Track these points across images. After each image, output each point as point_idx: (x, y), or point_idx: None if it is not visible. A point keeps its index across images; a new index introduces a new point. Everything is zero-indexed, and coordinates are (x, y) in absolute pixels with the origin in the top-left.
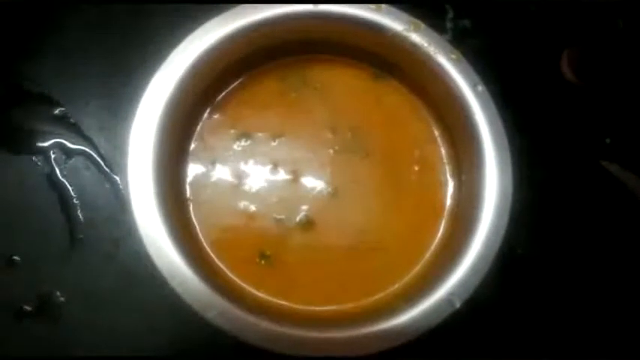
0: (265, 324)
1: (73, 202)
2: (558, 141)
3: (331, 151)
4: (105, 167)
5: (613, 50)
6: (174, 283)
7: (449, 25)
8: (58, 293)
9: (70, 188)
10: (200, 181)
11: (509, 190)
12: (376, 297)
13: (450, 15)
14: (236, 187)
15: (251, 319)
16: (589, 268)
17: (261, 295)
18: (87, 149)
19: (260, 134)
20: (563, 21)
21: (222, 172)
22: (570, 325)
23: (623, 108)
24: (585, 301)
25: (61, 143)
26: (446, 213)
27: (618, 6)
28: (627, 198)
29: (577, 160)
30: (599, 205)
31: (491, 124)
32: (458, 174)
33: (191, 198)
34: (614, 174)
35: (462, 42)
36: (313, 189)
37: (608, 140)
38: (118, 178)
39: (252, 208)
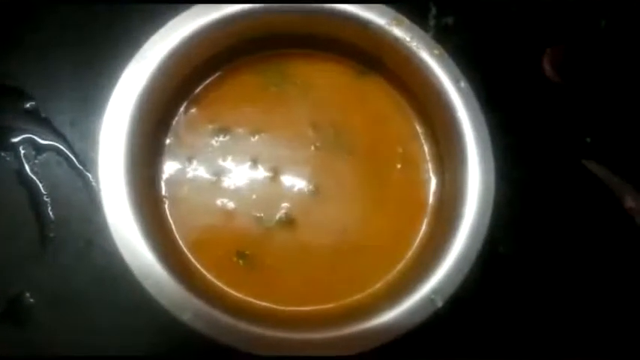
0: (243, 325)
1: (44, 200)
2: (539, 139)
3: (312, 147)
4: (77, 163)
5: (595, 49)
6: (147, 284)
7: (431, 22)
8: (28, 294)
9: (41, 185)
10: (176, 178)
11: (492, 188)
12: (358, 296)
13: (433, 12)
14: (214, 185)
15: (228, 320)
16: (570, 266)
17: (239, 295)
18: (58, 145)
19: (239, 130)
20: (545, 19)
21: (199, 169)
22: (551, 323)
23: (603, 107)
24: (566, 299)
25: (32, 138)
26: (428, 211)
27: (601, 6)
28: (608, 196)
29: (558, 159)
30: (579, 203)
31: (473, 120)
32: (441, 171)
33: (166, 196)
34: (595, 173)
35: (445, 39)
36: (294, 186)
37: (588, 139)
38: (90, 175)
39: (231, 205)
